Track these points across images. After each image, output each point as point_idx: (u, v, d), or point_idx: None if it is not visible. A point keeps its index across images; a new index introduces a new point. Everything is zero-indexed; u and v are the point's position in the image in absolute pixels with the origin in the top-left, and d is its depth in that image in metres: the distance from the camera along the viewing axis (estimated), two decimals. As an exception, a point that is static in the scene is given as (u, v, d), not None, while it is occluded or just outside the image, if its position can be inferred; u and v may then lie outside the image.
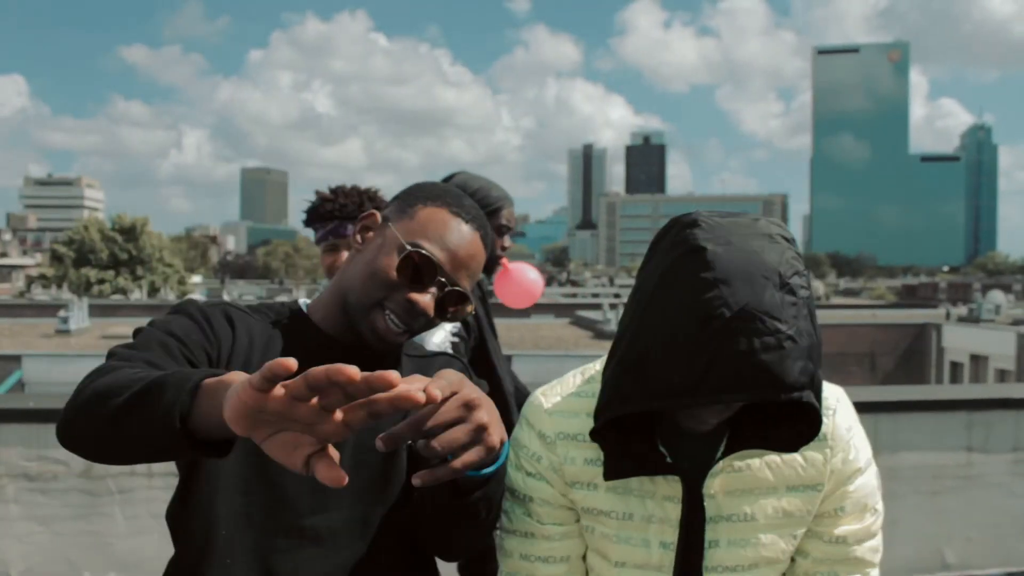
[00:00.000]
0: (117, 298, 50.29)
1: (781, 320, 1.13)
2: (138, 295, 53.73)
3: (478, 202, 3.03)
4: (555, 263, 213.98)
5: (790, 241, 1.23)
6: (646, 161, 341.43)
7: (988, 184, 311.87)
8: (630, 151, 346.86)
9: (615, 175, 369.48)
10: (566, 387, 1.49)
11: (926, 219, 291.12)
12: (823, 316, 36.25)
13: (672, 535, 1.40)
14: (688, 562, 1.41)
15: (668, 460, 1.37)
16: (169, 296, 53.53)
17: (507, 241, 2.99)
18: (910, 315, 37.27)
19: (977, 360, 27.79)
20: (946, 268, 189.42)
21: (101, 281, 58.04)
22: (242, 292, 62.31)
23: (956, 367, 28.89)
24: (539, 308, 52.44)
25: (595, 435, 1.32)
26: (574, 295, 68.86)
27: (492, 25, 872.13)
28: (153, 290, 58.24)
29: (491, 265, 3.00)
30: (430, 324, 1.45)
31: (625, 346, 1.25)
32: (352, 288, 1.45)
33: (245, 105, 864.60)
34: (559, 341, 27.10)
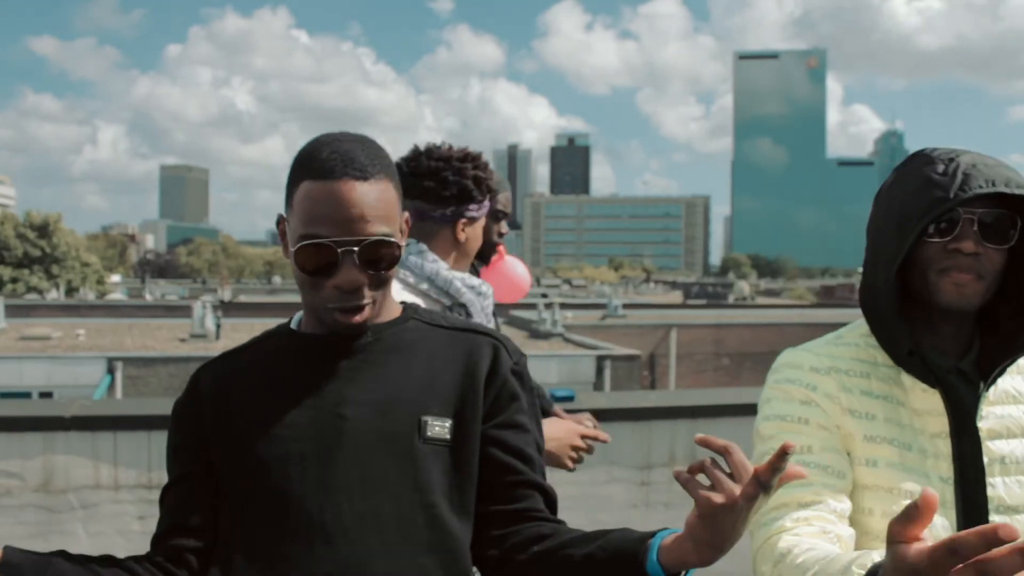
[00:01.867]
0: (32, 297, 48.41)
1: (999, 163, 1.45)
2: (55, 294, 51.69)
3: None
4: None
5: None
6: (570, 162, 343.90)
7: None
8: (555, 152, 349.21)
9: (540, 176, 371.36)
10: (820, 342, 1.60)
11: (842, 222, 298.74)
12: (752, 316, 36.84)
13: (948, 470, 1.46)
14: (970, 498, 1.46)
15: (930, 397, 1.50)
16: (89, 296, 51.61)
17: (503, 227, 2.81)
18: (836, 315, 37.91)
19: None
20: (861, 269, 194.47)
21: (14, 280, 55.89)
22: (164, 292, 60.65)
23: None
24: (469, 308, 52.06)
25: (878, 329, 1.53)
26: (502, 295, 68.52)
27: (415, 24, 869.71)
28: (70, 289, 56.23)
29: (487, 252, 2.79)
30: (381, 280, 1.39)
31: (872, 237, 1.59)
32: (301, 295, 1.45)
33: (163, 101, 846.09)
34: (494, 340, 26.60)
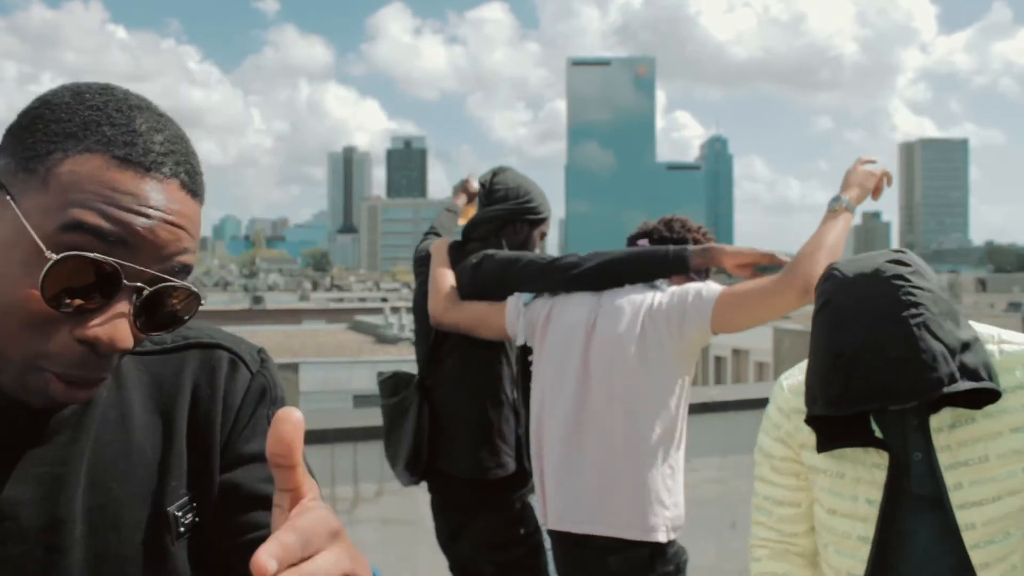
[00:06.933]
0: None
1: (891, 348, 1.49)
2: None
3: (524, 207, 2.56)
4: (316, 268, 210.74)
5: (905, 278, 1.52)
6: (407, 165, 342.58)
7: (725, 192, 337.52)
8: (391, 155, 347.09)
9: (376, 179, 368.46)
10: (801, 369, 1.77)
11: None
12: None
13: (877, 495, 1.66)
14: (890, 517, 1.65)
15: (878, 436, 1.65)
16: None
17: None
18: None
19: (739, 354, 29.46)
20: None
21: None
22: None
23: (720, 361, 30.52)
24: (309, 314, 51.20)
25: (807, 420, 1.66)
26: (341, 300, 68.03)
27: (239, 24, 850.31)
28: None
29: None
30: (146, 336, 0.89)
31: (808, 361, 1.66)
32: None
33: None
34: (341, 347, 26.27)
